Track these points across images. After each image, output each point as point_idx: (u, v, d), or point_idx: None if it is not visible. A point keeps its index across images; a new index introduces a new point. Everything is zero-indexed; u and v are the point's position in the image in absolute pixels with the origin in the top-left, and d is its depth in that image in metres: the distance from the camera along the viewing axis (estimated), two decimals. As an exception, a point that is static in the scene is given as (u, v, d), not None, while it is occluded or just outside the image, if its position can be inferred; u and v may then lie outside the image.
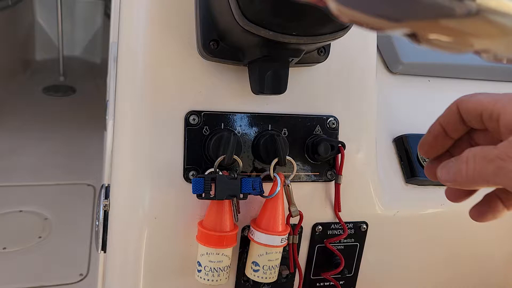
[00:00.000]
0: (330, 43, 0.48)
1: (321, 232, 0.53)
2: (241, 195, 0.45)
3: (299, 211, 0.48)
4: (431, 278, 0.60)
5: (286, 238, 0.47)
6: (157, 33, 0.45)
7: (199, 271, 0.46)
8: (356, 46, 0.53)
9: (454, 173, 0.32)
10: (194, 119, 0.47)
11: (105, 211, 0.53)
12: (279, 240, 0.46)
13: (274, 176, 0.47)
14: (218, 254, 0.45)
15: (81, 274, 1.38)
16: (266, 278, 0.47)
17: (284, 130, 0.50)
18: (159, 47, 0.45)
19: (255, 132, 0.49)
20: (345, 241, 0.54)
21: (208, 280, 0.45)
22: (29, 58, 3.12)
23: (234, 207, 0.46)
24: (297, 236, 0.50)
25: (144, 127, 0.47)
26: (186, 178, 0.47)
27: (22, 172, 1.86)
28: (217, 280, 0.46)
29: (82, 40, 3.35)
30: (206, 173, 0.46)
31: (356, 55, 0.53)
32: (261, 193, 0.46)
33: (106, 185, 0.60)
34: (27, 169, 1.88)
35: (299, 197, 0.50)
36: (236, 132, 0.48)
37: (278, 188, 0.46)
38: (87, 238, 1.53)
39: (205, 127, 0.47)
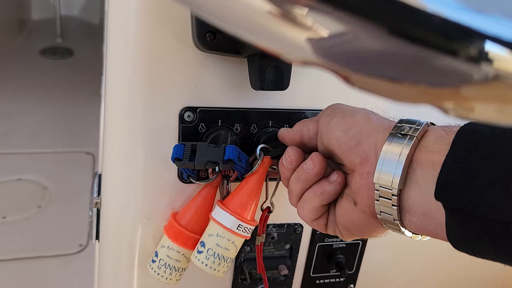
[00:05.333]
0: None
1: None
2: (225, 163, 0.40)
3: (267, 207, 0.44)
4: (434, 276, 0.58)
5: (247, 229, 0.41)
6: (148, 22, 0.41)
7: (153, 261, 0.43)
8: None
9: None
10: (189, 116, 0.44)
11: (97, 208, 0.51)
12: (235, 225, 0.40)
13: (259, 154, 0.42)
14: (179, 252, 0.42)
15: (80, 245, 1.38)
16: (207, 265, 0.40)
17: (286, 126, 0.47)
18: (151, 38, 0.42)
19: (255, 128, 0.46)
20: (347, 239, 0.52)
21: (158, 274, 0.42)
22: (25, 18, 3.02)
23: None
24: (264, 235, 0.45)
25: (136, 123, 0.44)
26: (181, 178, 0.44)
27: (19, 138, 1.84)
28: (166, 278, 0.42)
29: (80, -2, 3.24)
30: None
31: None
32: (245, 171, 0.41)
33: (100, 172, 0.57)
34: (25, 136, 1.86)
35: (300, 196, 0.48)
36: (234, 129, 0.45)
37: (256, 166, 0.41)
38: (86, 208, 1.52)
39: (201, 124, 0.44)
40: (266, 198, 0.44)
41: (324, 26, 0.11)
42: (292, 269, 0.51)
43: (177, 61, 0.42)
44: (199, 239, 0.41)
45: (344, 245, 0.52)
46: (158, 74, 0.42)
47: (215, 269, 0.40)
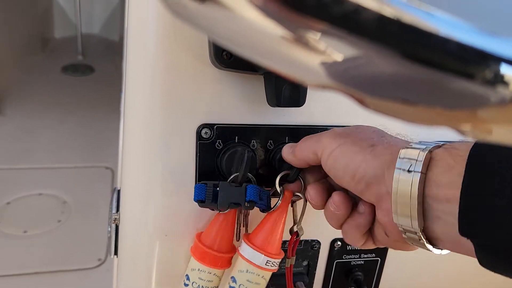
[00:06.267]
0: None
1: (340, 248, 0.50)
2: (247, 204, 0.41)
3: (295, 232, 0.44)
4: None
5: (275, 263, 0.42)
6: (166, 41, 0.42)
7: (186, 285, 0.43)
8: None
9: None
10: (206, 133, 0.44)
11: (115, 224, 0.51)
12: (264, 261, 0.41)
13: (280, 189, 0.43)
14: (210, 273, 0.42)
15: (99, 259, 1.39)
16: None
17: (300, 143, 0.47)
18: (169, 56, 0.42)
19: (271, 144, 0.46)
20: (365, 256, 0.51)
21: None
22: (48, 36, 3.11)
23: (238, 226, 0.44)
24: (294, 257, 0.46)
25: (154, 139, 0.44)
26: (198, 195, 0.45)
27: (40, 154, 1.88)
28: None
29: (100, 17, 3.32)
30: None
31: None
32: (267, 208, 0.42)
33: (119, 188, 0.58)
34: (46, 151, 1.90)
35: (317, 212, 0.47)
36: (251, 145, 0.45)
37: (279, 202, 0.42)
38: (105, 222, 1.54)
39: (218, 140, 0.44)
40: (294, 223, 0.44)
41: (337, 50, 0.12)
42: (309, 286, 0.51)
43: (195, 79, 0.43)
44: (227, 256, 0.42)
45: (363, 262, 0.51)
46: (175, 91, 0.43)
47: None
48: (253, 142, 0.45)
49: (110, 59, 2.89)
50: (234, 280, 0.42)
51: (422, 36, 0.11)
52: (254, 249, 0.41)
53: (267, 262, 0.41)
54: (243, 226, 0.44)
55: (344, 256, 0.51)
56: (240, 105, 0.45)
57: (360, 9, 0.11)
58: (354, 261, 0.51)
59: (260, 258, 0.41)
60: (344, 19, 0.11)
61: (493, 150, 0.26)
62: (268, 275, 0.42)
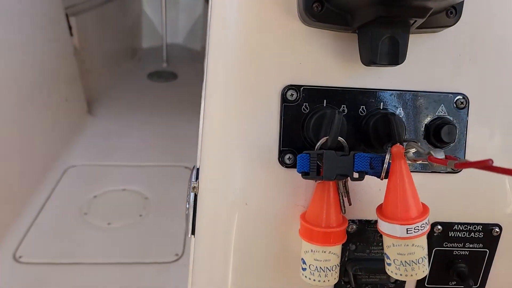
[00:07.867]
0: (463, 2, 0.39)
1: (441, 234, 0.44)
2: (356, 175, 0.37)
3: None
4: None
5: (419, 227, 0.35)
6: (252, -5, 0.39)
7: (304, 269, 0.40)
8: (495, 3, 0.42)
9: None
10: (292, 95, 0.41)
11: (194, 193, 0.49)
12: (402, 231, 0.35)
13: (388, 157, 0.36)
14: (325, 252, 0.38)
15: (176, 254, 1.41)
16: (396, 274, 0.37)
17: (399, 110, 0.42)
18: (253, 11, 0.40)
19: (364, 111, 0.41)
20: (471, 246, 0.44)
21: (314, 280, 0.39)
22: (136, 46, 3.30)
23: (341, 196, 0.39)
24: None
25: (236, 102, 0.42)
26: (282, 162, 0.41)
27: (125, 152, 1.96)
28: (324, 281, 0.39)
29: (184, 27, 3.47)
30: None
31: (494, 16, 0.42)
32: (380, 173, 0.36)
33: (198, 167, 0.56)
34: (130, 150, 1.98)
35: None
36: (340, 110, 0.41)
37: (389, 163, 0.36)
38: (183, 219, 1.57)
39: (304, 104, 0.41)
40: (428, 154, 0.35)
41: None
42: (404, 275, 0.45)
43: (281, 36, 0.40)
44: (338, 231, 0.38)
45: (467, 253, 0.44)
46: (259, 49, 0.40)
47: (407, 275, 0.36)
48: (343, 107, 0.41)
49: (192, 66, 3.00)
50: (388, 257, 0.37)
51: None
52: (388, 222, 0.36)
53: (408, 230, 0.35)
54: (345, 196, 0.40)
55: (446, 244, 0.44)
56: (330, 65, 0.41)
57: None
58: (457, 250, 0.44)
59: (399, 230, 0.35)
60: None
61: None
62: (420, 240, 0.36)
